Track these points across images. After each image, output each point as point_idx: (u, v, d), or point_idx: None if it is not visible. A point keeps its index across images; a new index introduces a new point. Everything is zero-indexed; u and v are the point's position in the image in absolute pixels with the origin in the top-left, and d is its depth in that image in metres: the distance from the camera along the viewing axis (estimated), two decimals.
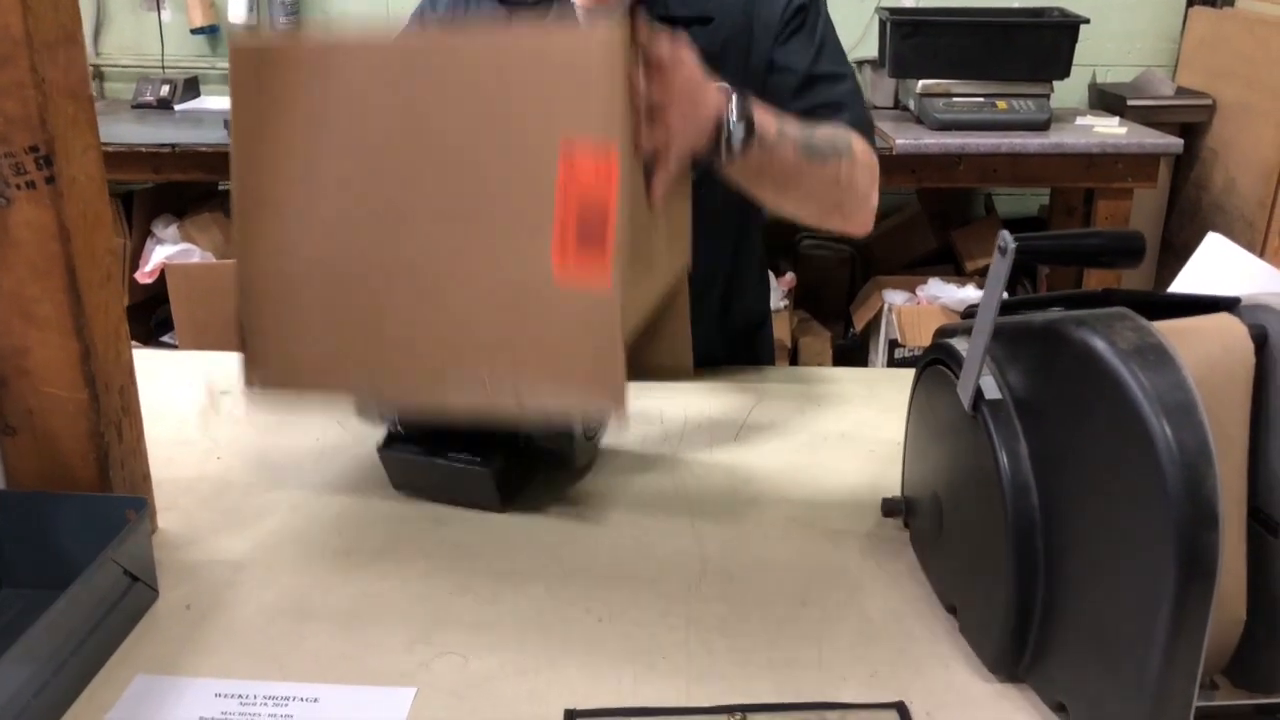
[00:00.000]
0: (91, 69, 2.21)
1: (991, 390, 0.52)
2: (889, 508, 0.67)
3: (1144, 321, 0.46)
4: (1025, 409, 0.51)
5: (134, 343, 0.67)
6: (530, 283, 0.56)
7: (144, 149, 1.79)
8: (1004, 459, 0.50)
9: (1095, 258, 0.54)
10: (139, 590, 0.57)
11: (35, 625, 0.48)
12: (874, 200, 0.81)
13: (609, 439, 0.78)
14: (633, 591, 0.60)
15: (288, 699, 0.52)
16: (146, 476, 0.66)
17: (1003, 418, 0.51)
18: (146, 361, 0.82)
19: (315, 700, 0.51)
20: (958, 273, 2.13)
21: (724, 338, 0.97)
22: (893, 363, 1.95)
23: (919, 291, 1.99)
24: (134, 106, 2.07)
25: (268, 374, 0.64)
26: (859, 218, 0.81)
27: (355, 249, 0.60)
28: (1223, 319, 0.49)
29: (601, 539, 0.67)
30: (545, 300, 0.56)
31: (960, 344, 0.56)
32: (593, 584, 0.61)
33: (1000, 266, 0.49)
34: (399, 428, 0.68)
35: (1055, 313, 0.51)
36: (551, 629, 0.57)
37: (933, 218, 2.25)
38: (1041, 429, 0.50)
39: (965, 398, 0.53)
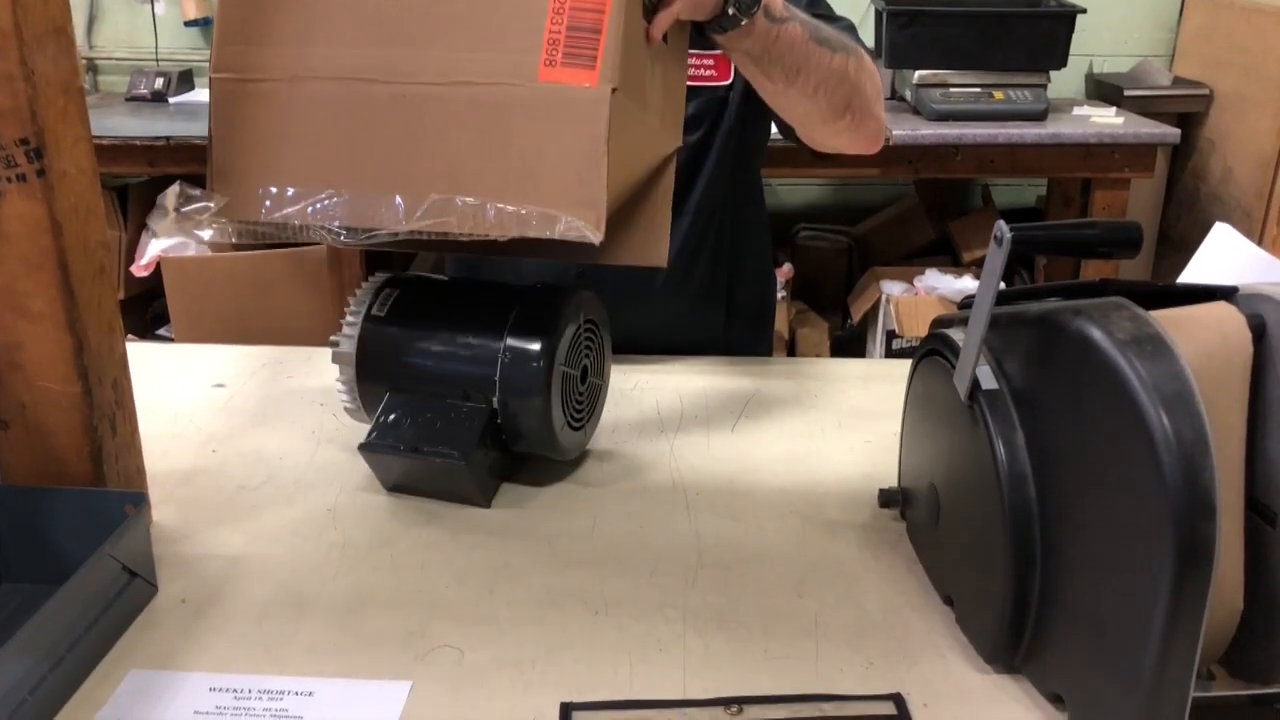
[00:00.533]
0: (85, 62, 2.19)
1: (988, 380, 0.52)
2: (886, 499, 0.67)
3: (1141, 311, 0.46)
4: (1022, 399, 0.51)
5: (130, 336, 0.66)
6: (515, 101, 0.56)
7: (138, 142, 1.78)
8: (1001, 449, 0.50)
9: (1092, 248, 0.53)
10: (138, 586, 0.57)
11: (31, 620, 0.48)
12: (881, 114, 0.81)
13: (603, 432, 0.78)
14: (629, 584, 0.60)
15: (283, 693, 0.51)
16: (141, 470, 0.66)
17: (999, 408, 0.51)
18: (142, 355, 0.81)
19: (310, 694, 0.51)
20: (955, 264, 2.13)
21: (726, 323, 0.97)
22: (890, 353, 1.95)
23: (916, 282, 1.99)
24: (128, 99, 2.06)
25: (234, 193, 0.61)
26: (868, 126, 0.79)
27: (338, 67, 0.59)
28: (1220, 308, 0.49)
29: (597, 531, 0.66)
30: (530, 116, 0.56)
31: (957, 334, 0.55)
32: (589, 576, 0.61)
33: (996, 257, 0.49)
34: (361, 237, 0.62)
35: (1052, 303, 0.50)
36: (547, 622, 0.57)
37: (930, 209, 2.24)
38: (1038, 419, 0.50)
39: (962, 388, 0.53)
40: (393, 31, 0.59)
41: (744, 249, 0.97)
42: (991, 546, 0.51)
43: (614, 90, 0.55)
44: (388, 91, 0.58)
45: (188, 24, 2.16)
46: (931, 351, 0.59)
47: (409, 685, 0.52)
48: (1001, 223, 0.48)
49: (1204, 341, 0.46)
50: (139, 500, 0.57)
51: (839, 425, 0.81)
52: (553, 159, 0.56)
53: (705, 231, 0.93)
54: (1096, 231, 0.53)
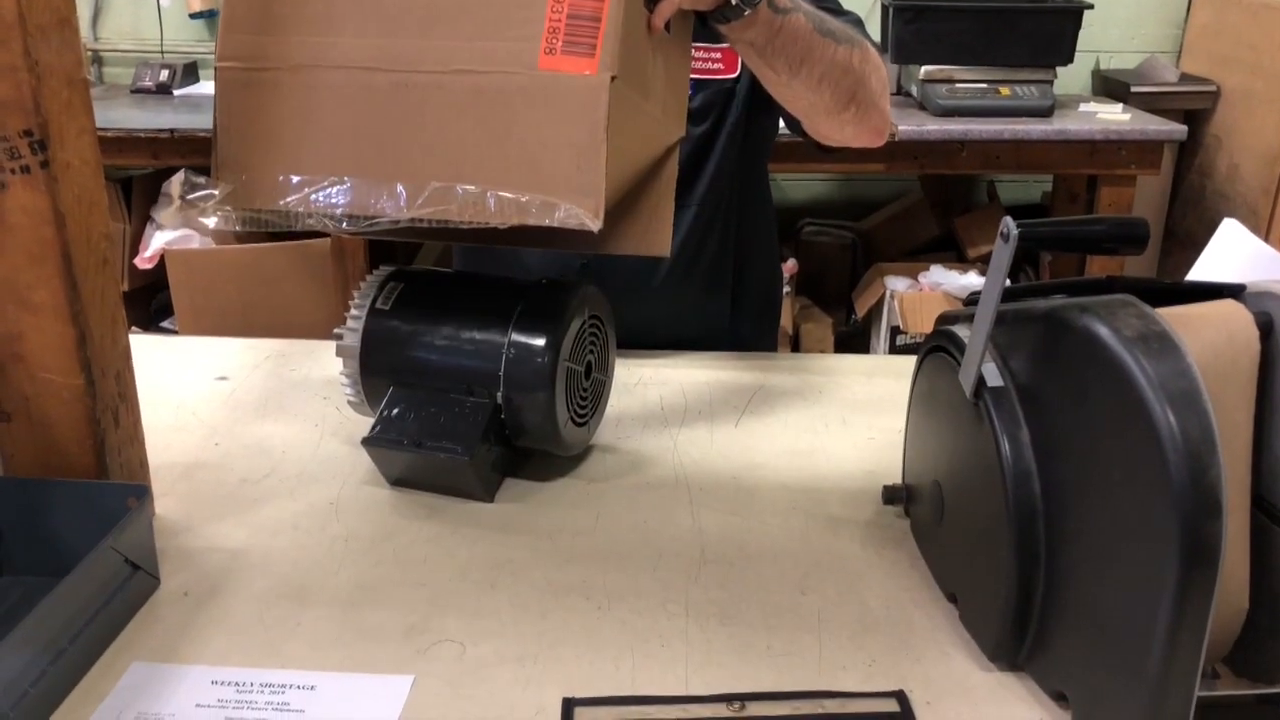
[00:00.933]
0: (90, 54, 2.19)
1: (994, 377, 0.52)
2: (890, 495, 0.66)
3: (1148, 308, 0.45)
4: (1027, 396, 0.51)
5: (133, 328, 0.66)
6: (515, 88, 0.56)
7: (143, 134, 1.78)
8: (1006, 446, 0.50)
9: (1099, 244, 0.53)
10: (140, 578, 0.57)
11: (33, 613, 0.48)
12: (886, 107, 0.80)
13: (607, 426, 0.78)
14: (632, 579, 0.60)
15: (284, 687, 0.51)
16: (144, 463, 0.66)
17: (1005, 405, 0.51)
18: (145, 347, 0.81)
19: (312, 688, 0.51)
20: (960, 260, 2.12)
21: (732, 317, 0.96)
22: (894, 350, 1.94)
23: (921, 278, 1.98)
24: (133, 91, 2.06)
25: (238, 181, 0.61)
26: (873, 120, 0.79)
27: (342, 56, 0.59)
28: (1227, 306, 0.48)
29: (601, 526, 0.66)
30: (530, 104, 0.56)
31: (962, 331, 0.55)
32: (592, 571, 0.61)
33: (1003, 253, 0.48)
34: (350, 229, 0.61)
35: (1058, 300, 0.50)
36: (550, 616, 0.57)
37: (935, 205, 2.23)
38: (1044, 416, 0.50)
39: (967, 385, 0.52)
40: (396, 20, 0.59)
41: (750, 242, 0.96)
42: (996, 544, 0.51)
43: (613, 78, 0.55)
44: (390, 80, 0.58)
45: (193, 16, 2.16)
46: (937, 348, 0.59)
47: (411, 679, 0.51)
48: (1009, 219, 0.48)
49: (1211, 339, 0.46)
50: (141, 493, 0.57)
51: (843, 421, 0.81)
52: (552, 147, 0.56)
53: (711, 224, 0.92)
54: (1103, 228, 0.52)
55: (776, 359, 0.95)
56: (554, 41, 0.56)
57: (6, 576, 0.58)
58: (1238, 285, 0.49)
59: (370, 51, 0.59)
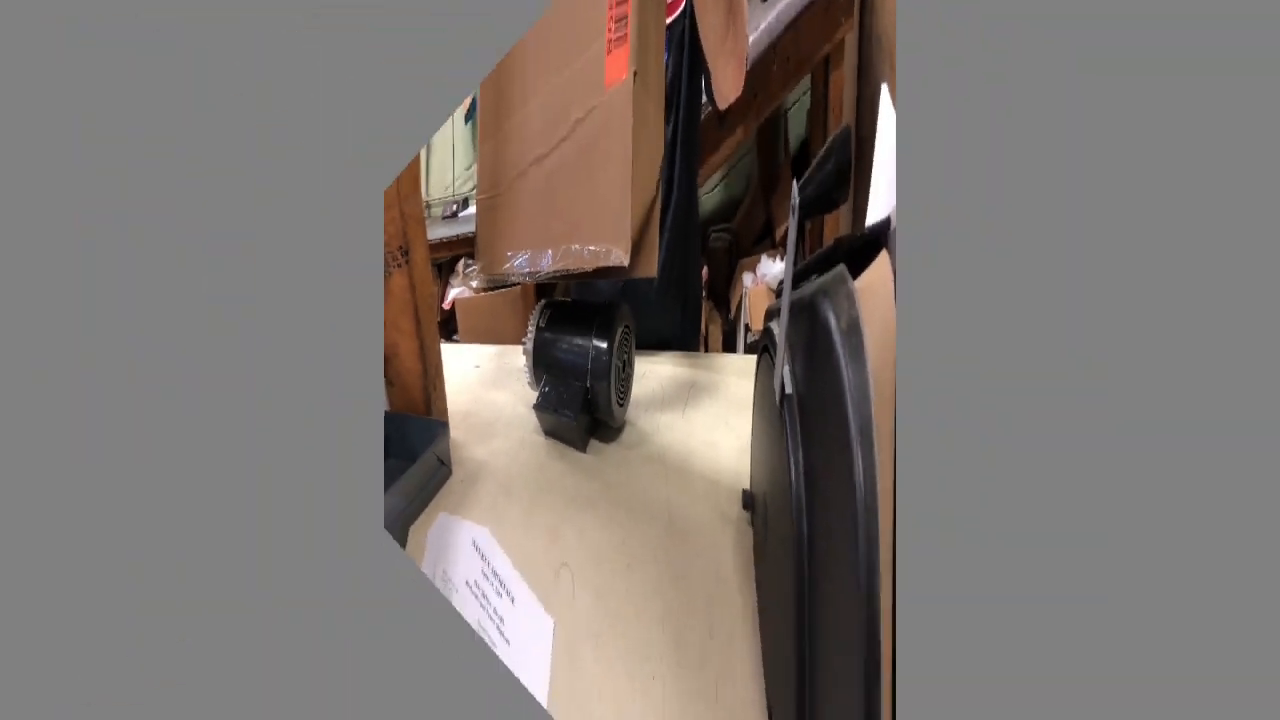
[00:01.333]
0: (426, 203, 2.50)
1: (787, 382, 0.26)
2: (746, 500, 0.41)
3: (852, 284, 0.22)
4: (805, 407, 0.25)
5: (441, 340, 0.80)
6: (594, 128, 0.50)
7: (445, 240, 2.01)
8: (793, 473, 0.24)
9: (834, 193, 0.25)
10: (443, 470, 0.67)
11: (400, 479, 0.56)
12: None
13: (632, 407, 0.71)
14: (641, 544, 0.49)
15: (503, 585, 0.45)
16: (445, 410, 0.75)
17: (794, 419, 0.25)
18: (446, 351, 0.87)
19: (513, 600, 0.44)
20: (772, 244, 1.33)
21: (682, 318, 0.82)
22: (747, 350, 1.30)
23: (757, 270, 1.32)
24: (443, 218, 2.35)
25: (485, 261, 0.65)
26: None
27: (518, 155, 0.59)
28: (883, 270, 0.22)
29: (630, 488, 0.58)
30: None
31: (776, 326, 0.30)
32: (628, 531, 0.52)
33: (794, 227, 0.26)
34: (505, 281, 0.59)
35: (815, 280, 0.26)
36: (609, 562, 0.47)
37: (762, 184, 1.39)
38: (810, 435, 0.24)
39: (778, 391, 0.27)
40: (545, 61, 0.53)
41: (691, 246, 0.78)
42: (787, 618, 0.24)
43: (634, 73, 0.46)
44: (541, 170, 0.57)
45: (466, 119, 2.17)
46: (764, 348, 0.34)
47: (552, 624, 0.43)
48: (795, 184, 0.26)
49: (876, 334, 0.21)
50: (444, 426, 0.67)
51: (726, 423, 0.66)
52: (607, 188, 0.48)
53: (674, 234, 0.75)
54: (831, 165, 0.25)
55: (698, 358, 0.80)
56: (609, 35, 0.47)
57: (392, 459, 0.63)
58: (885, 223, 0.23)
59: (534, 141, 0.55)
